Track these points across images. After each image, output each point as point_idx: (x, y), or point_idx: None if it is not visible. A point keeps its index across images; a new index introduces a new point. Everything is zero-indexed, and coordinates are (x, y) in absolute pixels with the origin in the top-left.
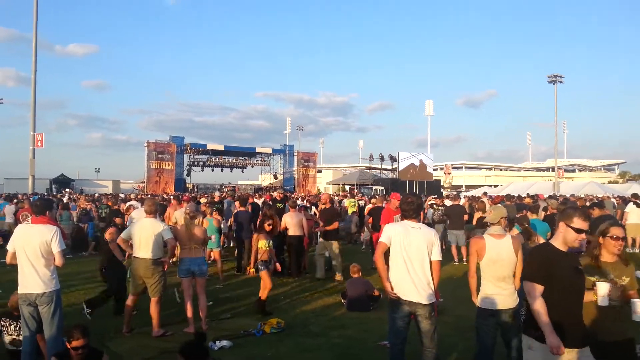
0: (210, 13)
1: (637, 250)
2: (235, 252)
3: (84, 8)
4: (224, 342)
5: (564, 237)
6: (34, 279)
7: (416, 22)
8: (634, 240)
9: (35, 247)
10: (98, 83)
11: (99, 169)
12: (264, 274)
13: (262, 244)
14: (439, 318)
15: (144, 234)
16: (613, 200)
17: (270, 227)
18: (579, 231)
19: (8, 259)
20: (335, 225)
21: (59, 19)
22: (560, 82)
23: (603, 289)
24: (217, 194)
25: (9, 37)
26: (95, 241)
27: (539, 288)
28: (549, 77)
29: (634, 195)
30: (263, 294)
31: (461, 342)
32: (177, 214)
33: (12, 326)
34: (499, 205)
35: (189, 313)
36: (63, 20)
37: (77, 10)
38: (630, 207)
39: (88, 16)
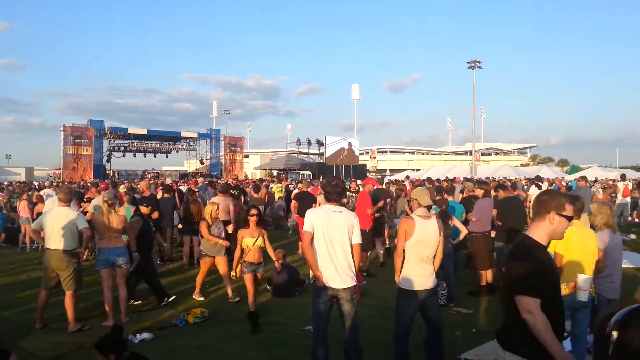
0: None
1: None
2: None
3: None
4: (145, 335)
5: (554, 230)
6: None
7: (344, 6)
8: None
9: None
10: (8, 62)
11: (10, 155)
12: (247, 278)
13: (247, 242)
14: (361, 300)
15: (56, 224)
16: (523, 182)
17: (257, 218)
18: (570, 219)
19: None
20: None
21: None
22: (479, 67)
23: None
24: (168, 180)
25: None
26: (6, 232)
27: (538, 302)
28: (468, 63)
29: (537, 178)
30: (253, 305)
31: (382, 322)
32: (94, 202)
33: None
34: (424, 189)
35: (108, 306)
36: None
37: None
38: (533, 189)
39: None
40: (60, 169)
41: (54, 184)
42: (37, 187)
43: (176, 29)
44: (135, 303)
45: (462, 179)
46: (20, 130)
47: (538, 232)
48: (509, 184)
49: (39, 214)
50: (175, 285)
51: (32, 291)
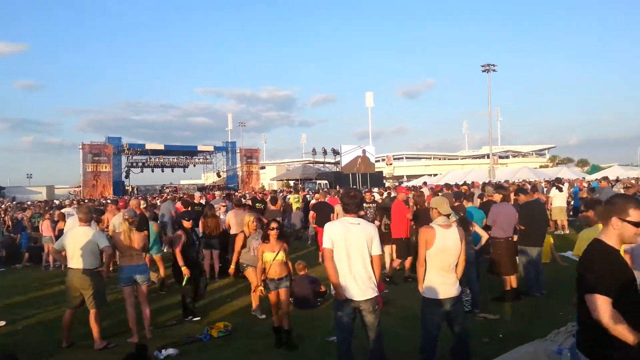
0: (146, 7)
1: (563, 232)
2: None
3: (9, 4)
4: (170, 350)
5: (621, 235)
6: None
7: (353, 14)
8: (556, 222)
9: None
10: (28, 83)
11: (31, 174)
12: (271, 296)
13: (267, 257)
14: (384, 309)
15: (77, 244)
16: (542, 184)
17: (277, 231)
18: (638, 224)
19: None
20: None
21: None
22: (494, 70)
23: None
24: (197, 194)
25: None
26: (29, 252)
27: (609, 301)
28: (482, 66)
29: (557, 180)
30: (278, 320)
31: (405, 331)
32: (115, 220)
33: None
34: (443, 197)
35: (132, 323)
36: None
37: (1, 7)
38: (554, 191)
39: (15, 13)
40: (80, 187)
41: (74, 202)
42: (57, 205)
43: (188, 44)
44: (160, 319)
45: (480, 183)
46: (40, 150)
47: (607, 236)
48: (529, 187)
49: (61, 231)
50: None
51: (58, 309)
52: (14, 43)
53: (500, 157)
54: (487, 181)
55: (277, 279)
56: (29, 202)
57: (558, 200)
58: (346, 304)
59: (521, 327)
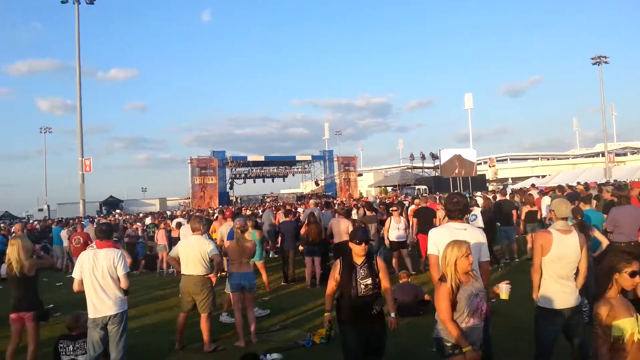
0: (244, 26)
1: None
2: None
3: (121, 33)
4: (275, 355)
5: None
6: (105, 302)
7: (450, 14)
8: None
9: (104, 271)
10: (140, 105)
11: (145, 188)
12: None
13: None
14: (491, 319)
15: (190, 252)
16: None
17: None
18: None
19: (76, 287)
20: None
21: (99, 46)
22: (605, 62)
23: None
24: (312, 202)
25: (53, 68)
26: (145, 259)
27: None
28: (593, 59)
29: None
30: None
31: (515, 344)
32: (223, 229)
33: (70, 347)
34: (564, 199)
35: (239, 327)
36: (102, 47)
37: (115, 36)
38: None
39: (126, 41)
40: (189, 198)
41: (184, 213)
42: (169, 215)
43: (286, 58)
44: (264, 324)
45: (596, 183)
46: (153, 165)
47: None
48: None
49: (175, 238)
50: (299, 306)
51: (171, 313)
52: (126, 69)
53: (617, 155)
54: (604, 181)
55: None
56: (141, 214)
57: None
58: None
59: None
